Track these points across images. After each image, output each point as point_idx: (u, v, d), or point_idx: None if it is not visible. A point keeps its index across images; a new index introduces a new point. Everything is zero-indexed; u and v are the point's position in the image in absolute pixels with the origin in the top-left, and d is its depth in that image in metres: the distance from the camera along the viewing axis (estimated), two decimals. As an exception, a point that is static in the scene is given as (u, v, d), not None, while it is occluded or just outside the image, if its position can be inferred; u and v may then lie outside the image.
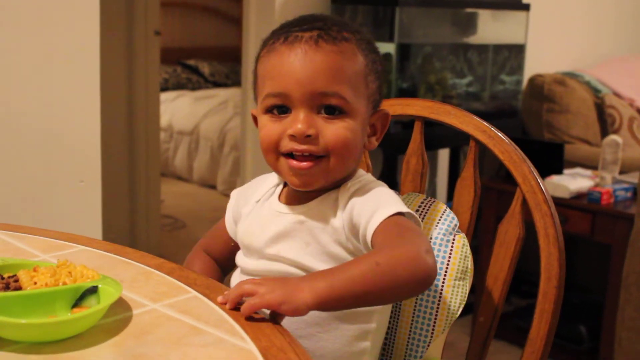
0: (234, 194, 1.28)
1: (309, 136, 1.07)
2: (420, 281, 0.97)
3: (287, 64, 1.07)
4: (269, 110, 1.10)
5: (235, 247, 1.24)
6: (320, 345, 1.10)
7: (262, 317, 0.94)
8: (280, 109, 1.09)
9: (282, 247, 1.13)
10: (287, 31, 1.10)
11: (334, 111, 1.08)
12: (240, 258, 1.20)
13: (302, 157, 1.09)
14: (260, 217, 1.18)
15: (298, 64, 1.07)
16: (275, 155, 1.11)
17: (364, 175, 1.17)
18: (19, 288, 0.95)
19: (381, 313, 1.15)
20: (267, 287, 0.93)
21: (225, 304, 0.96)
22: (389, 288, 0.95)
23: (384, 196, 1.10)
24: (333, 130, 1.08)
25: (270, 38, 1.13)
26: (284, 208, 1.16)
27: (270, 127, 1.10)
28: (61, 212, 2.09)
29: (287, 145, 1.09)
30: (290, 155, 1.10)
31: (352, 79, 1.09)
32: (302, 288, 0.92)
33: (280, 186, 1.21)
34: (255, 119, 1.18)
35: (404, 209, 1.06)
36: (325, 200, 1.14)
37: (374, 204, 1.07)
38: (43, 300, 0.92)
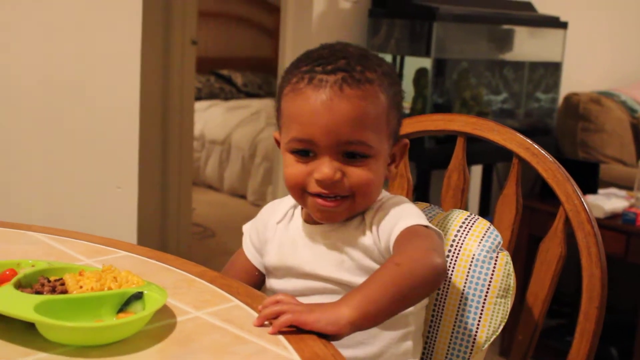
0: (247, 229, 1.30)
1: (335, 181, 1.10)
2: (433, 277, 1.01)
3: (313, 111, 1.08)
4: (294, 152, 1.13)
5: (260, 277, 1.26)
6: (367, 352, 1.12)
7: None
8: (305, 152, 1.12)
9: (317, 265, 1.15)
10: (311, 71, 1.10)
11: (355, 156, 1.11)
12: (273, 282, 1.22)
13: (328, 197, 1.12)
14: (288, 239, 1.21)
15: (324, 113, 1.08)
16: (300, 192, 1.14)
17: (385, 194, 1.20)
18: (65, 292, 0.96)
19: (416, 315, 1.18)
20: (304, 307, 0.94)
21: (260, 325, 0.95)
22: (414, 286, 0.99)
23: (405, 211, 1.13)
24: (357, 174, 1.11)
25: (293, 74, 1.13)
26: (312, 228, 1.19)
27: (296, 167, 1.12)
28: (99, 217, 2.11)
29: (314, 188, 1.11)
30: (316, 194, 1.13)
31: (374, 123, 1.11)
32: (338, 305, 0.94)
33: (299, 207, 1.23)
34: (277, 142, 1.21)
35: (422, 222, 1.10)
36: (352, 220, 1.17)
37: (395, 219, 1.11)
38: (89, 304, 0.93)
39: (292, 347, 0.89)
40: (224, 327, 0.94)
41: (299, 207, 1.23)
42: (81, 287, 0.96)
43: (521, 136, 1.29)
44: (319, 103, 1.08)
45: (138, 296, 0.95)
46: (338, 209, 1.13)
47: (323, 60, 1.10)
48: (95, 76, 2.07)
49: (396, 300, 0.97)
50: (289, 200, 1.25)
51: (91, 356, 0.85)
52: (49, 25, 1.99)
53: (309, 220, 1.20)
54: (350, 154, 1.10)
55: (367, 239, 1.14)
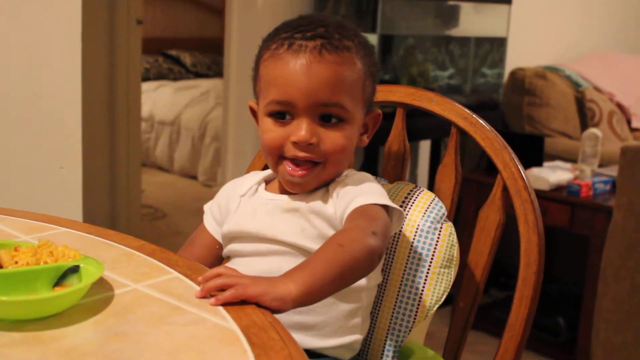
0: (208, 206, 1.31)
1: (311, 144, 1.14)
2: (368, 260, 1.02)
3: (292, 74, 1.13)
4: (272, 115, 1.16)
5: (219, 251, 1.27)
6: (318, 320, 1.13)
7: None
8: (283, 115, 1.15)
9: (277, 231, 1.16)
10: (291, 37, 1.14)
11: (331, 119, 1.15)
12: (234, 246, 1.22)
13: (300, 162, 1.16)
14: (248, 207, 1.22)
15: (303, 76, 1.12)
16: (276, 158, 1.18)
17: (350, 170, 1.23)
18: (0, 267, 0.95)
19: (369, 291, 1.19)
20: (249, 280, 0.94)
21: (203, 297, 0.94)
22: (352, 268, 1.00)
23: (367, 188, 1.15)
24: (332, 139, 1.15)
25: (272, 42, 1.17)
26: (275, 196, 1.21)
27: (274, 131, 1.16)
28: (41, 198, 2.08)
29: (291, 151, 1.15)
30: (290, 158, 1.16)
31: (351, 87, 1.16)
32: (285, 281, 0.94)
33: (264, 183, 1.26)
34: (253, 111, 1.26)
35: (382, 201, 1.12)
36: (317, 190, 1.19)
37: (355, 194, 1.13)
38: (24, 279, 0.92)
39: (230, 316, 0.89)
40: (162, 299, 0.94)
41: (264, 184, 1.26)
42: (16, 262, 0.95)
43: (459, 106, 1.31)
44: (298, 67, 1.12)
45: (74, 269, 0.94)
46: (307, 178, 1.16)
47: (302, 27, 1.15)
48: (34, 56, 2.04)
49: (336, 281, 0.99)
50: (251, 178, 1.27)
51: (26, 330, 0.85)
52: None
53: (275, 191, 1.22)
54: (327, 117, 1.15)
55: (330, 208, 1.16)
